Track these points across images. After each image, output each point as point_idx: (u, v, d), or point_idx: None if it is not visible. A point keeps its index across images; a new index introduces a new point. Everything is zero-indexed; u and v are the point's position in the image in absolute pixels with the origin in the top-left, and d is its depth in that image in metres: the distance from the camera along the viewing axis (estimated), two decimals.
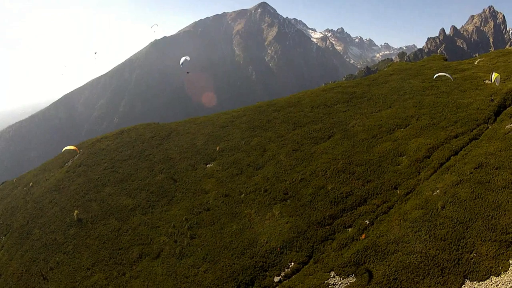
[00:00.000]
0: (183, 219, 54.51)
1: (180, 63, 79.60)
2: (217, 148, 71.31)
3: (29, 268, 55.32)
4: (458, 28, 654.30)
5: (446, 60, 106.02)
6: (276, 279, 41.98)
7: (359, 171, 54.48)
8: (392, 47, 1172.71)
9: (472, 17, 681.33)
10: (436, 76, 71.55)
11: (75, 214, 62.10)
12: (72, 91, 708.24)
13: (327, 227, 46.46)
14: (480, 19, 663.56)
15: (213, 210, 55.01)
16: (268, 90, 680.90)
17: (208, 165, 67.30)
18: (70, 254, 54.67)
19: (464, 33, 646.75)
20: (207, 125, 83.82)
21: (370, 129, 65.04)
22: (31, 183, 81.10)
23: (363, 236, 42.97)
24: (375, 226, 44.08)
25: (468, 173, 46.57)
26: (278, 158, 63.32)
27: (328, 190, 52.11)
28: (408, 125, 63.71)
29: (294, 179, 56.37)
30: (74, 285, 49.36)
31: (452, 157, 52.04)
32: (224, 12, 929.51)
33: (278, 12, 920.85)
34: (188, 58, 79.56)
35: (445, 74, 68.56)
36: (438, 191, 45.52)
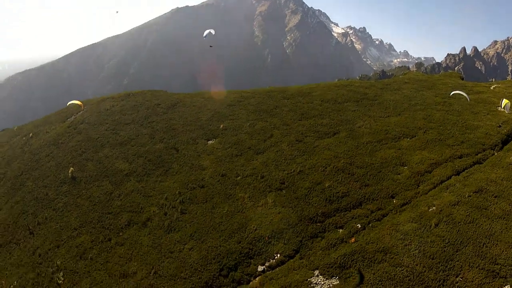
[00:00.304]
0: (177, 192, 54.21)
1: (204, 35, 78.57)
2: (221, 126, 70.71)
3: (17, 221, 55.23)
4: (480, 50, 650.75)
5: (462, 79, 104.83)
6: (260, 268, 41.80)
7: (358, 173, 53.75)
8: (411, 56, 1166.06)
9: (495, 42, 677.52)
10: (453, 94, 70.19)
11: (70, 171, 61.80)
12: (85, 47, 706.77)
13: (318, 224, 46.00)
14: (503, 46, 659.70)
15: (208, 188, 54.70)
16: (281, 75, 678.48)
17: (210, 142, 66.80)
18: (60, 211, 54.51)
19: (484, 56, 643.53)
20: (214, 101, 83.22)
21: (376, 133, 64.22)
22: (31, 134, 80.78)
23: (353, 239, 42.50)
24: (366, 232, 43.57)
25: (466, 195, 46.02)
26: (280, 146, 62.73)
27: (325, 187, 51.58)
28: (415, 136, 62.92)
29: (292, 170, 55.82)
30: (59, 243, 49.18)
31: (453, 176, 51.34)
32: None
33: (303, 0, 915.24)
34: (212, 31, 78.58)
35: (462, 93, 67.35)
36: (434, 208, 44.89)
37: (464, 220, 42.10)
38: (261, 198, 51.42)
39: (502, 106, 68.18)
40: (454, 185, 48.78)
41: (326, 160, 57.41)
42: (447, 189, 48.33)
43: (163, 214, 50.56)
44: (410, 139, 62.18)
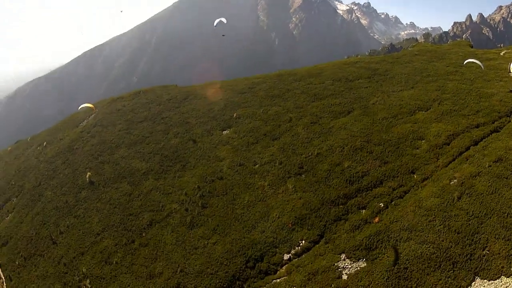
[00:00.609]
0: (196, 186, 54.27)
1: (214, 24, 77.81)
2: (234, 115, 70.29)
3: (39, 231, 55.91)
4: (485, 16, 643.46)
5: (471, 47, 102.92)
6: (286, 256, 41.74)
7: (377, 150, 53.10)
8: (418, 27, 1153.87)
9: (500, 7, 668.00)
10: (466, 62, 69.02)
11: (87, 176, 62.32)
12: (92, 48, 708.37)
13: (341, 206, 45.62)
14: (508, 11, 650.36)
15: (227, 179, 54.60)
16: (290, 58, 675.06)
17: (224, 132, 66.58)
18: (81, 218, 55.13)
19: (491, 22, 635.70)
20: (225, 90, 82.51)
21: (391, 108, 63.01)
22: (44, 143, 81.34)
23: (377, 219, 42.20)
24: (389, 210, 43.20)
25: (487, 165, 44.86)
26: (295, 130, 62.22)
27: (344, 168, 50.98)
28: (430, 108, 61.49)
29: (310, 153, 55.44)
30: (83, 250, 49.83)
31: (471, 147, 50.23)
32: None
33: None
34: (224, 20, 77.70)
35: (476, 61, 66.15)
36: (455, 180, 44.14)
37: (487, 191, 41.12)
38: (281, 184, 51.15)
39: (511, 70, 66.89)
40: (473, 155, 47.85)
41: (343, 140, 56.68)
42: (467, 160, 47.47)
43: (184, 210, 50.69)
44: (425, 111, 60.90)
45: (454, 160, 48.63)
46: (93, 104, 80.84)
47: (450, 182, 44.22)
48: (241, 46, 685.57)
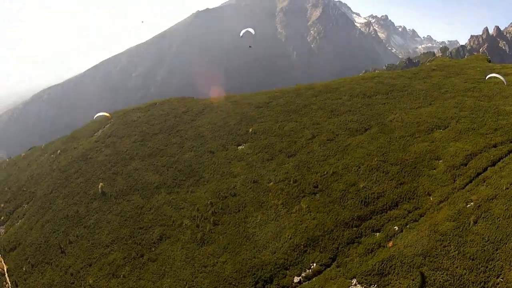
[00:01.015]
0: (208, 202, 54.01)
1: (240, 34, 77.21)
2: (250, 130, 70.20)
3: (48, 240, 55.86)
4: (502, 29, 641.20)
5: (489, 61, 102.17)
6: (296, 279, 41.17)
7: (393, 170, 52.23)
8: (435, 40, 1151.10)
9: None
10: (489, 77, 68.01)
11: (99, 187, 62.47)
12: (109, 58, 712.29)
13: (355, 229, 45.00)
14: None
15: (240, 196, 54.20)
16: (308, 71, 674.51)
17: (239, 147, 66.47)
18: (91, 228, 55.10)
19: (507, 35, 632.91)
20: (242, 104, 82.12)
21: (408, 126, 62.37)
22: (58, 151, 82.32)
23: (391, 243, 41.49)
24: (403, 234, 42.38)
25: (504, 187, 43.89)
26: (311, 147, 61.52)
27: (360, 188, 50.34)
28: (447, 126, 60.80)
29: (325, 172, 54.70)
30: (91, 261, 49.82)
31: (489, 167, 49.12)
32: None
33: None
34: (252, 30, 76.97)
35: (499, 76, 65.14)
36: (472, 203, 43.32)
37: (503, 214, 40.30)
38: (294, 204, 50.37)
39: None
40: (491, 177, 46.80)
41: (359, 159, 56.06)
42: (484, 182, 46.43)
43: (196, 226, 50.33)
44: (443, 130, 60.16)
45: (471, 181, 47.54)
46: (109, 114, 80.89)
47: (467, 205, 43.37)
48: (259, 58, 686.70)
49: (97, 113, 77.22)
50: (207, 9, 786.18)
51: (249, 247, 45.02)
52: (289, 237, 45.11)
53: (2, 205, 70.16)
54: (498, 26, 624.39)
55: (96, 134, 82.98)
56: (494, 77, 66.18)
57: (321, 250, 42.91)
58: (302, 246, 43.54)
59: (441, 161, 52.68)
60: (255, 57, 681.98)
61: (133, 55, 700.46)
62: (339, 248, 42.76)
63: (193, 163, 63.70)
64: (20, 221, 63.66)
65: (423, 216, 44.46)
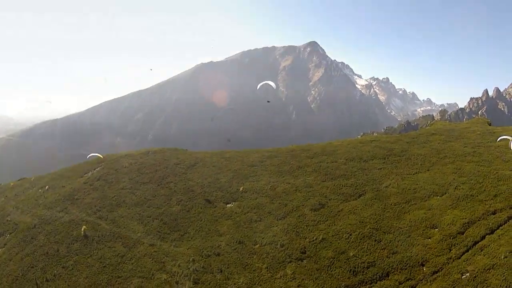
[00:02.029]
0: (191, 259, 51.44)
1: (258, 87, 76.59)
2: (241, 188, 68.82)
3: (26, 274, 53.48)
4: (501, 90, 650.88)
5: (490, 124, 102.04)
6: None
7: (386, 239, 50.39)
8: (434, 103, 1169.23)
9: None
10: (500, 140, 67.80)
11: (83, 229, 60.62)
12: (111, 100, 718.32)
13: None
14: None
15: (224, 256, 51.81)
16: (306, 130, 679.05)
17: (228, 205, 64.80)
18: (69, 269, 52.44)
19: (507, 96, 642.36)
20: (235, 161, 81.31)
21: (404, 193, 61.02)
22: (47, 187, 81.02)
23: None
24: None
25: (502, 256, 42.38)
26: (302, 210, 59.75)
27: (349, 256, 48.21)
28: (445, 193, 59.31)
29: (315, 238, 52.58)
30: None
31: (487, 235, 47.63)
32: (274, 46, 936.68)
33: (326, 53, 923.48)
34: (273, 85, 76.35)
35: (509, 137, 64.65)
36: (468, 274, 41.60)
37: (500, 285, 38.75)
38: (279, 269, 47.93)
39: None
40: (489, 245, 45.35)
41: (351, 226, 54.16)
42: (481, 251, 44.96)
43: (175, 282, 47.60)
44: (440, 197, 58.69)
45: (467, 251, 45.89)
46: (102, 156, 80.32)
47: (462, 276, 41.67)
48: (259, 115, 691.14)
49: (92, 152, 76.45)
50: (211, 62, 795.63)
51: None
52: None
53: None
54: (497, 88, 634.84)
55: (86, 175, 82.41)
56: (506, 139, 65.73)
57: None
58: None
59: (436, 229, 50.96)
60: (255, 114, 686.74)
61: (135, 100, 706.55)
62: None
63: (179, 217, 62.25)
64: (0, 250, 61.36)
65: (415, 287, 42.44)
